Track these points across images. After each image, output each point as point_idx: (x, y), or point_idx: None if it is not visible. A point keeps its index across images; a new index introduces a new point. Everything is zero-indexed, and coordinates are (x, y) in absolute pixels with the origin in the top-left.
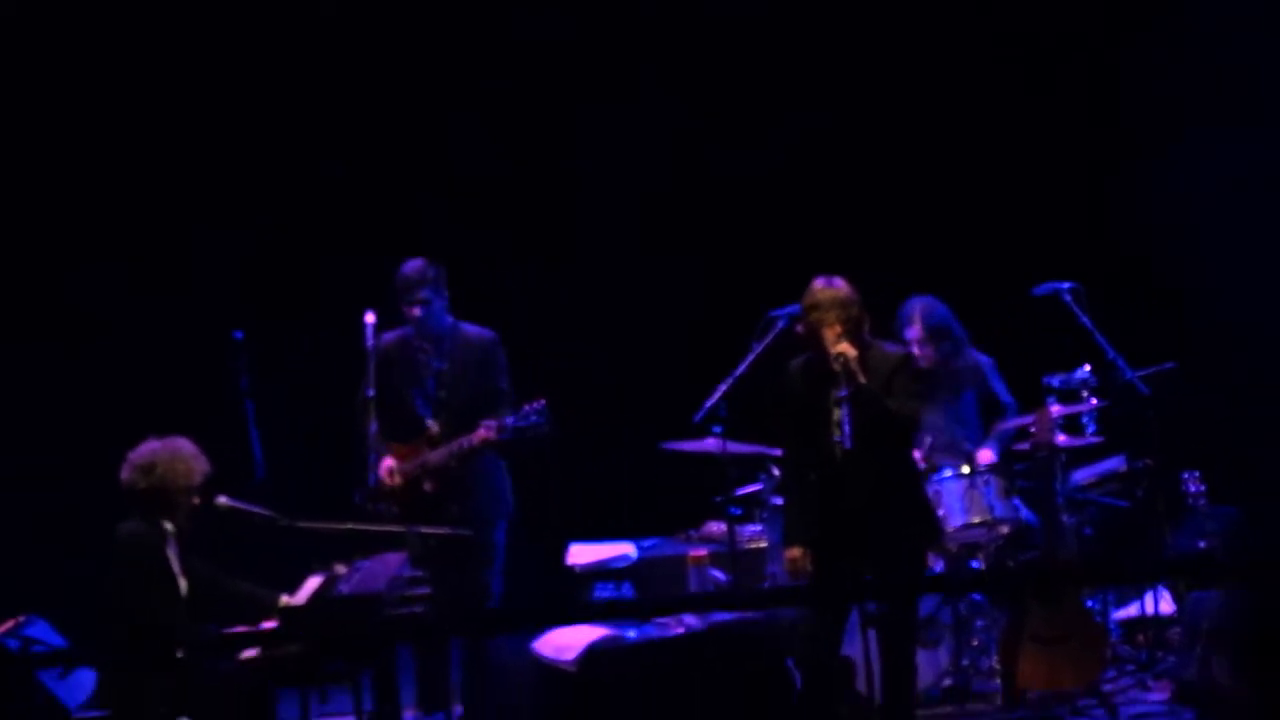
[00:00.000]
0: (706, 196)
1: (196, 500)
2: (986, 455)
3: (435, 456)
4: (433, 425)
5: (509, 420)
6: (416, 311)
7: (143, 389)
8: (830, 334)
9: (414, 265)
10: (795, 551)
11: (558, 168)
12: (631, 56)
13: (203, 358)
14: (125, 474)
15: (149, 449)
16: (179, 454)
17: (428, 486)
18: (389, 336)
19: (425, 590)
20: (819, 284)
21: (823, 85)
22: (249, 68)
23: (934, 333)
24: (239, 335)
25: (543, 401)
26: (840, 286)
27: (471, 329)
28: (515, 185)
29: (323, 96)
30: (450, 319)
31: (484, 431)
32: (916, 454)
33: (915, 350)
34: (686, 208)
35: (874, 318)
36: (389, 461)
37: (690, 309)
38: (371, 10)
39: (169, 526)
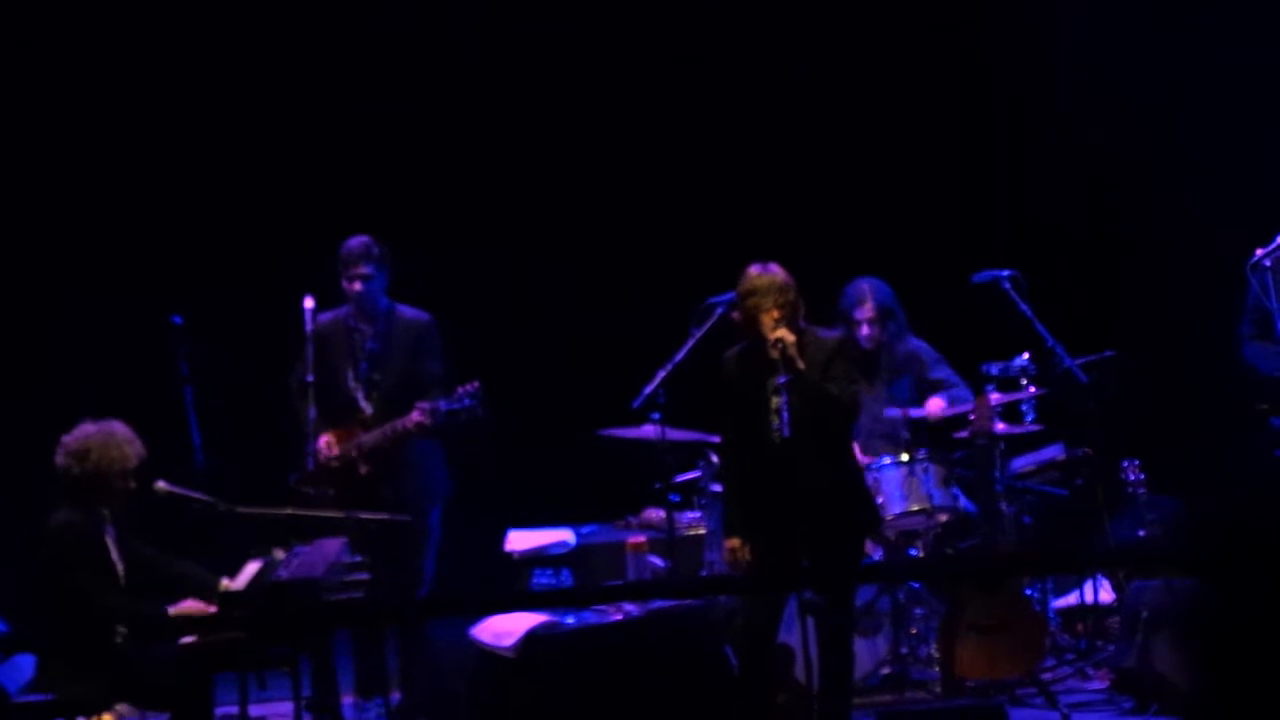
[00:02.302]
0: (641, 183)
1: (133, 484)
2: (937, 403)
3: (369, 439)
4: (366, 407)
5: (441, 404)
6: (357, 286)
7: (80, 373)
8: (768, 320)
9: (359, 240)
10: (734, 541)
11: (507, 154)
12: (590, 42)
13: (141, 342)
14: (59, 459)
15: (83, 433)
16: (114, 437)
17: (363, 469)
18: (325, 317)
19: (364, 575)
20: (754, 270)
21: (758, 67)
22: (215, 49)
23: (883, 313)
24: (178, 320)
25: (476, 384)
26: (776, 272)
27: (407, 311)
28: (456, 166)
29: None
30: (387, 300)
31: (417, 415)
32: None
33: (865, 330)
34: (623, 195)
35: (807, 304)
36: (327, 436)
37: (628, 295)
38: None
39: (105, 512)
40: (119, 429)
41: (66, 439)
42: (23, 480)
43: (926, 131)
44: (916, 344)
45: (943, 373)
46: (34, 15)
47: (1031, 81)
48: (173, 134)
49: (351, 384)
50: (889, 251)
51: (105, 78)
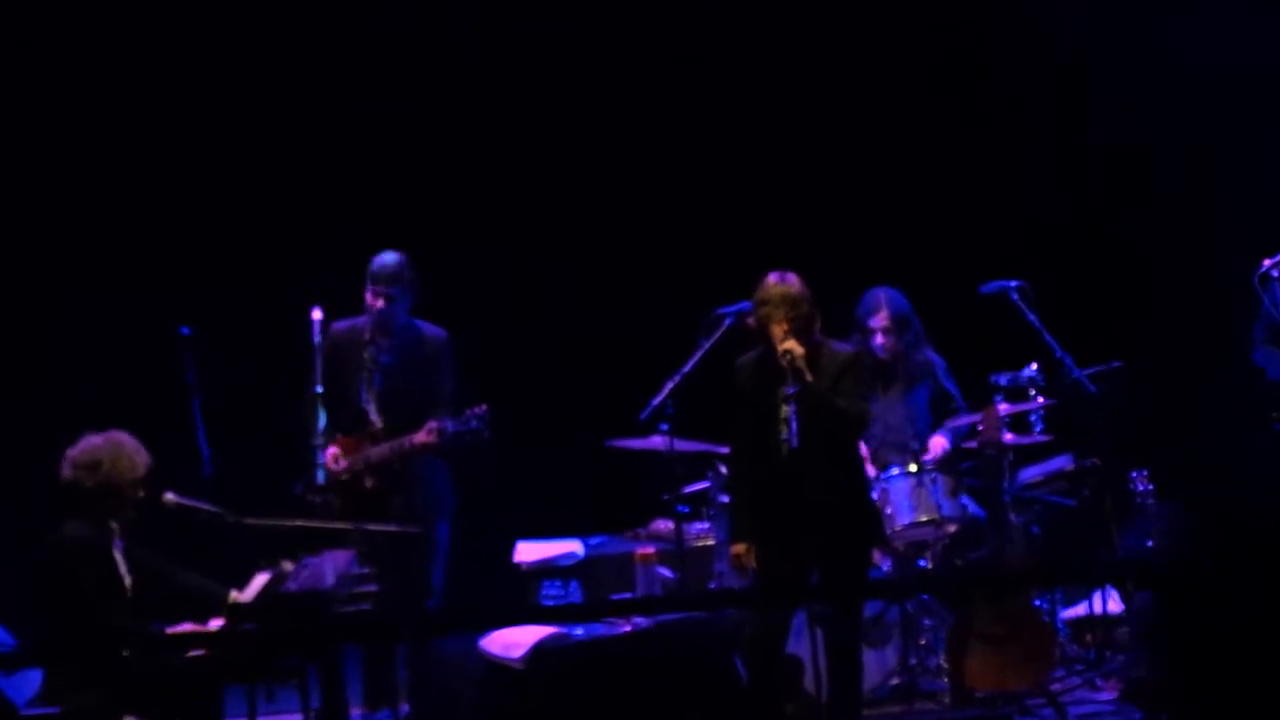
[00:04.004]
0: (643, 184)
1: (142, 493)
2: (939, 442)
3: (377, 453)
4: (376, 420)
5: (449, 425)
6: (380, 303)
7: (81, 375)
8: (777, 331)
9: (394, 258)
10: (740, 548)
11: (507, 154)
12: (588, 51)
13: (145, 346)
14: (68, 473)
15: (90, 446)
16: (122, 448)
17: (369, 483)
18: (340, 325)
19: (373, 587)
20: (772, 279)
21: (766, 78)
22: (216, 50)
23: (898, 322)
24: (186, 330)
25: (484, 407)
26: (792, 283)
27: (425, 327)
28: (456, 166)
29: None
30: (405, 317)
31: (424, 435)
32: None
33: (879, 338)
34: (625, 196)
35: (823, 316)
36: (334, 449)
37: (633, 300)
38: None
39: (114, 525)
40: (125, 439)
41: (72, 453)
42: (23, 482)
43: (932, 140)
44: (931, 354)
45: (950, 387)
46: (35, 15)
47: (1031, 81)
48: (173, 134)
49: (364, 396)
50: (897, 262)
51: (107, 78)
